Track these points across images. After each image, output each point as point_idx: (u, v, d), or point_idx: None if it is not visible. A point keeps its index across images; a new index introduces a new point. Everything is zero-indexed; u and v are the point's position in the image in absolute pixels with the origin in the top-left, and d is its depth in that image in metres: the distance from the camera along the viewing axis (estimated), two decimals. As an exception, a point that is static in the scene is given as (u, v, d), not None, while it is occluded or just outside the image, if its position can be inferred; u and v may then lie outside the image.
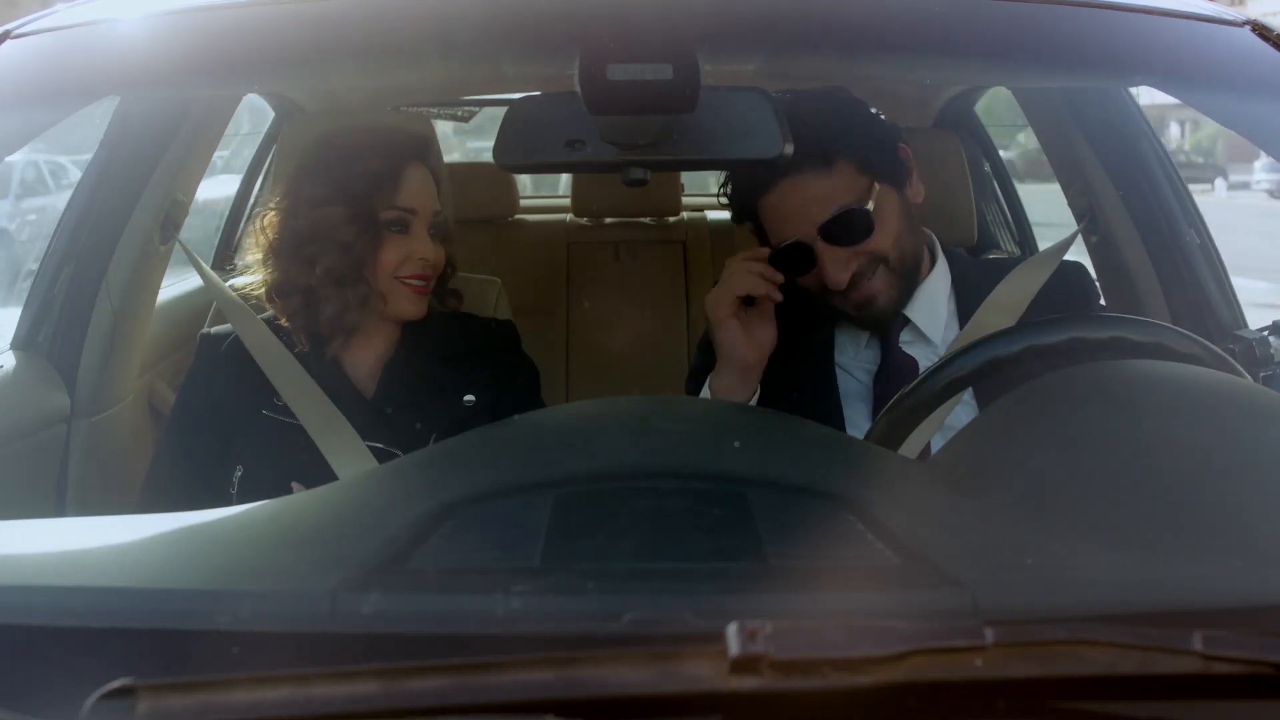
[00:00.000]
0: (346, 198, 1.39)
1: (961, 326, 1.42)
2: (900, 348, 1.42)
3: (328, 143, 1.46)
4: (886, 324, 1.43)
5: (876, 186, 1.35)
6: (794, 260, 1.35)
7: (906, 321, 1.43)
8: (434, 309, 1.50)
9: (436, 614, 0.62)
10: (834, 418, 1.40)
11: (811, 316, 1.44)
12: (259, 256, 1.44)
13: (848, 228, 1.34)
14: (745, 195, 1.41)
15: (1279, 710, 0.54)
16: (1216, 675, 0.51)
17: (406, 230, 1.40)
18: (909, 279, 1.41)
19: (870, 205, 1.34)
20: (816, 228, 1.34)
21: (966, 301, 1.44)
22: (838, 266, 1.34)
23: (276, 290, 1.42)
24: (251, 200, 2.62)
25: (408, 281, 1.41)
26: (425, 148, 1.47)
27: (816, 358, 1.43)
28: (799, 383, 1.41)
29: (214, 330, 1.50)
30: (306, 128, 1.66)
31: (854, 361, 1.44)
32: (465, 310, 1.59)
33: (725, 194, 1.46)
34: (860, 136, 1.37)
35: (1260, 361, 1.23)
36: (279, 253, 1.42)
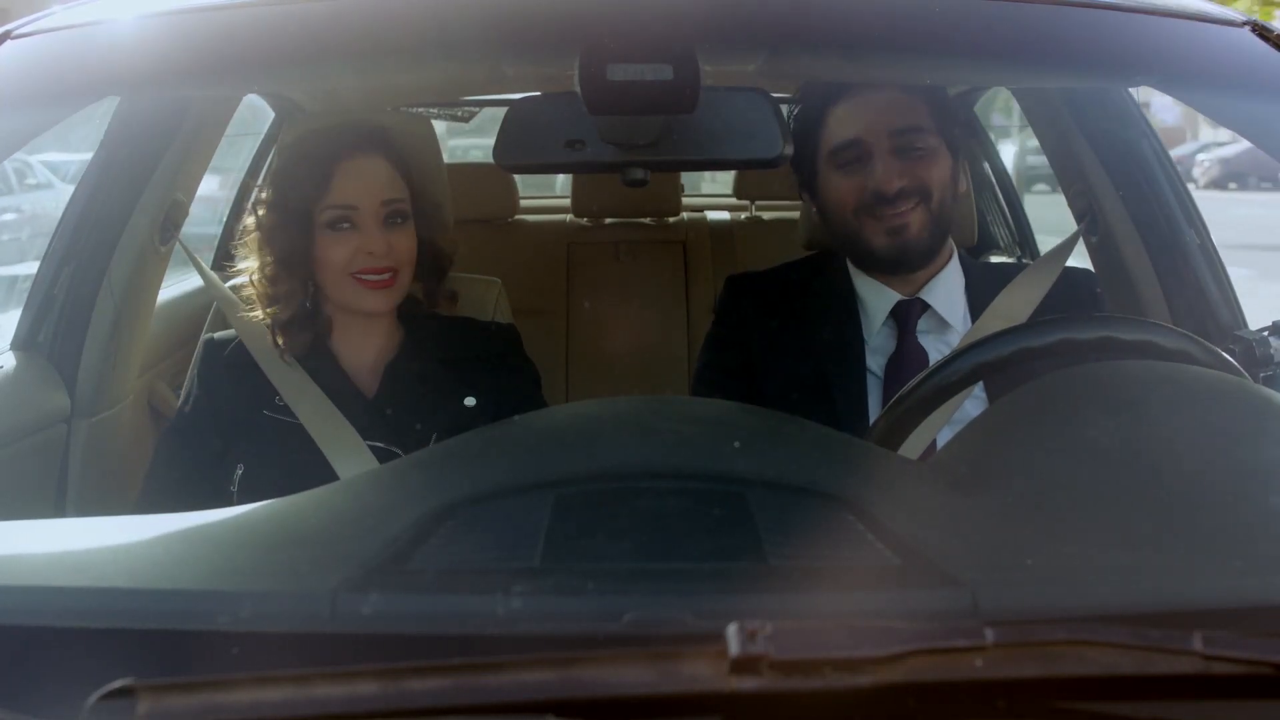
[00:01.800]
0: (281, 203, 1.40)
1: (974, 323, 1.43)
2: (916, 337, 1.43)
3: (280, 151, 1.50)
4: (905, 311, 1.44)
5: (940, 140, 1.42)
6: (847, 160, 1.42)
7: (925, 309, 1.44)
8: (435, 311, 1.50)
9: (436, 614, 0.62)
10: (864, 419, 1.41)
11: (844, 317, 1.45)
12: (249, 258, 1.46)
13: (913, 143, 1.40)
14: (820, 98, 1.46)
15: (1279, 710, 0.54)
16: (1216, 675, 0.51)
17: (353, 226, 1.38)
18: (939, 234, 1.44)
19: (931, 143, 1.41)
20: (886, 132, 1.40)
21: (976, 301, 1.45)
22: (891, 172, 1.39)
23: (256, 291, 1.44)
24: (251, 202, 2.62)
25: (361, 277, 1.39)
26: (373, 137, 1.44)
27: (850, 362, 1.45)
28: (830, 383, 1.42)
29: (217, 336, 1.50)
30: (300, 128, 1.66)
31: (870, 351, 1.45)
32: (465, 311, 1.59)
33: (795, 103, 1.54)
34: (942, 97, 1.47)
35: (1260, 361, 1.23)
36: (257, 253, 1.44)
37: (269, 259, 1.41)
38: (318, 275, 1.40)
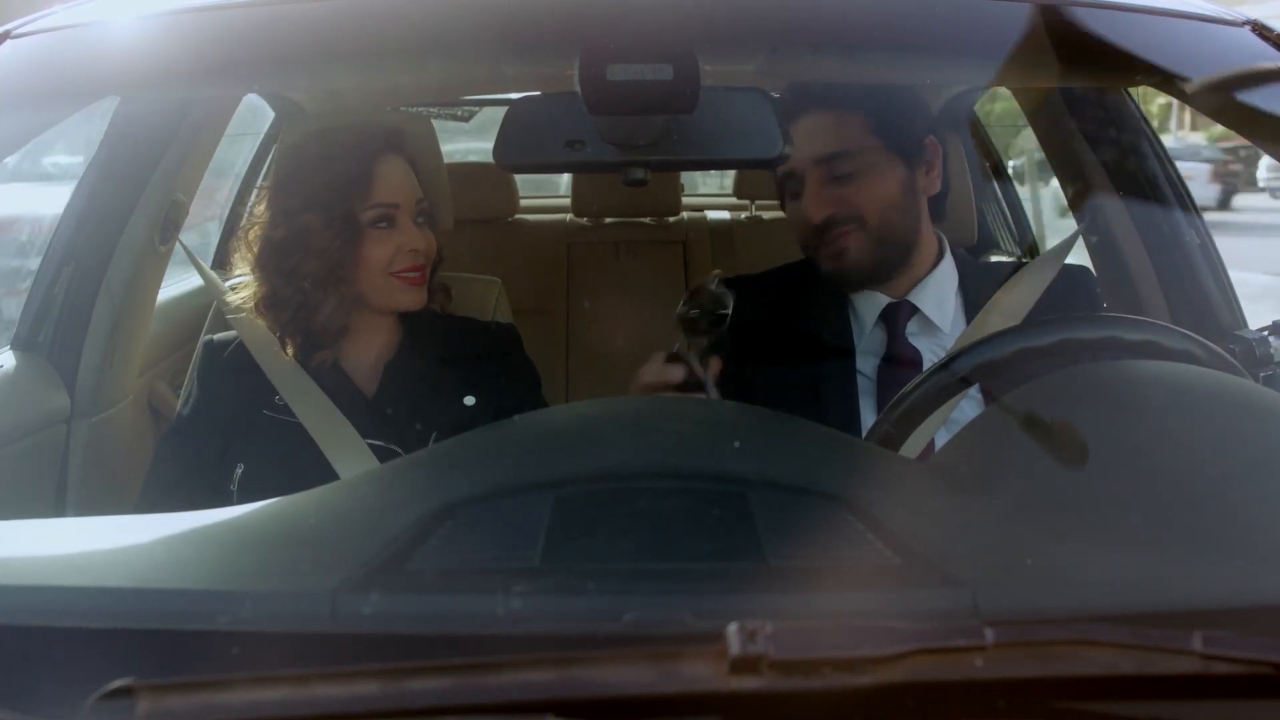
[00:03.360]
0: (320, 205, 1.38)
1: (968, 323, 1.43)
2: (906, 338, 1.43)
3: (296, 152, 1.46)
4: (894, 314, 1.43)
5: (884, 153, 1.40)
6: (791, 192, 1.42)
7: (914, 311, 1.44)
8: (434, 311, 1.51)
9: (436, 614, 0.62)
10: (854, 421, 1.40)
11: (835, 320, 1.46)
12: (248, 270, 1.44)
13: (841, 169, 1.38)
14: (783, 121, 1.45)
15: (1279, 710, 0.54)
16: (1216, 675, 0.51)
17: (393, 224, 1.40)
18: (890, 252, 1.42)
19: (866, 162, 1.39)
20: (813, 160, 1.38)
21: (972, 300, 1.45)
22: (817, 202, 1.39)
23: (266, 304, 1.42)
24: (251, 201, 2.62)
25: (403, 275, 1.40)
26: (396, 139, 1.45)
27: (840, 365, 1.44)
28: (819, 386, 1.42)
29: (217, 337, 1.50)
30: (306, 128, 1.66)
31: (860, 353, 1.45)
32: (465, 311, 1.59)
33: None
34: (887, 102, 1.43)
35: (1260, 361, 1.23)
36: (264, 266, 1.42)
37: (312, 265, 1.38)
38: (357, 276, 1.40)
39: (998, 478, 0.78)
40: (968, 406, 1.35)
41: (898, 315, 1.44)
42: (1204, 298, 1.60)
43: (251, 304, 1.43)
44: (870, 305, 1.45)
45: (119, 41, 1.05)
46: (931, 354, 1.41)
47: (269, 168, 2.47)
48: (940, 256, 1.47)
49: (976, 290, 1.46)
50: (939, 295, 1.45)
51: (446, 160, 1.71)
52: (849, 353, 1.44)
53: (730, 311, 1.25)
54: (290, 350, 1.41)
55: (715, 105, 0.92)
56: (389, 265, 1.39)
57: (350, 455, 1.33)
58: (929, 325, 1.44)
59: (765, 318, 1.49)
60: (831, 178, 1.38)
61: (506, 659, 0.49)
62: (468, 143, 4.65)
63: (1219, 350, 0.95)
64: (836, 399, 1.42)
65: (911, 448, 1.06)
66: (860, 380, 1.44)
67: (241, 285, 1.47)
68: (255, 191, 1.52)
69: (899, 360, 1.42)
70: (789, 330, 1.47)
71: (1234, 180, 15.96)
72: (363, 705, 0.48)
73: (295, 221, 1.39)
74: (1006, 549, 0.71)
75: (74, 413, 1.66)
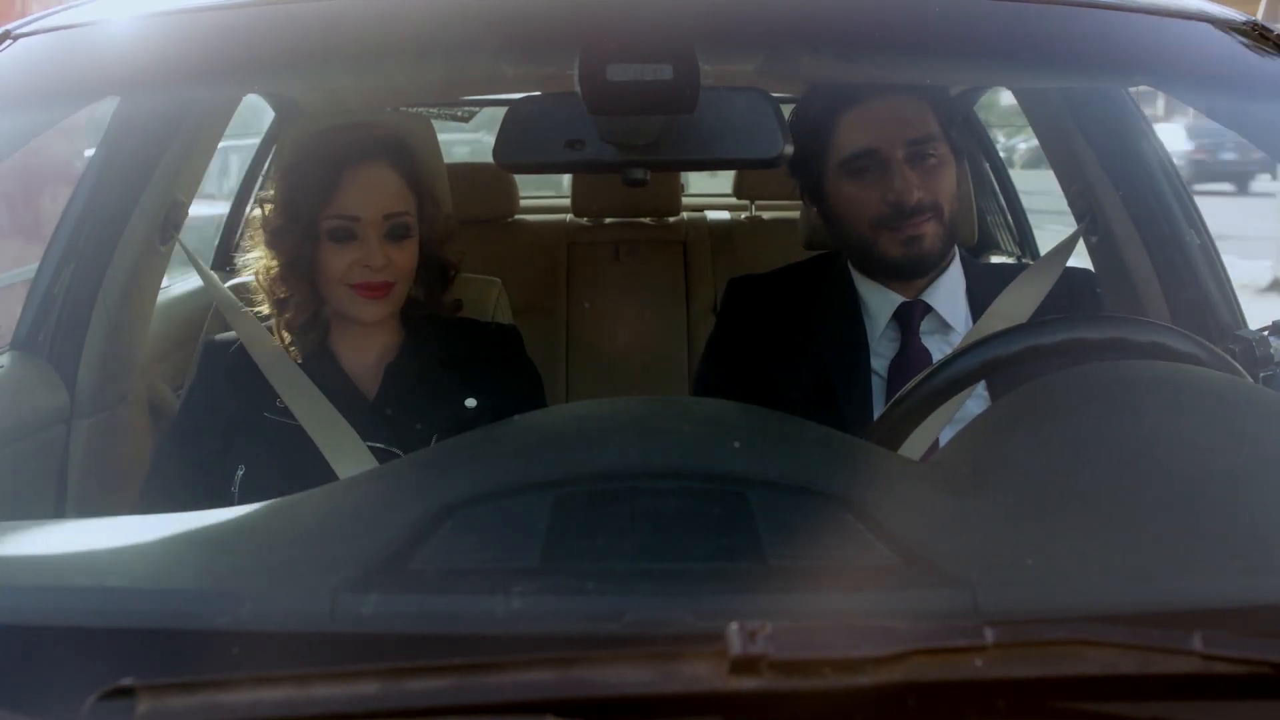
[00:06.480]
0: (287, 205, 1.40)
1: (975, 323, 1.44)
2: (919, 338, 1.44)
3: (289, 146, 1.49)
4: (909, 313, 1.44)
5: (948, 147, 1.42)
6: (861, 169, 1.41)
7: (928, 310, 1.44)
8: (436, 313, 1.51)
9: (436, 614, 0.62)
10: (869, 419, 1.40)
11: (847, 319, 1.46)
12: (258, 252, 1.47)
13: (927, 152, 1.40)
14: (828, 104, 1.44)
15: (1278, 710, 0.54)
16: (1216, 675, 0.51)
17: (353, 236, 1.37)
18: (949, 246, 1.44)
19: (943, 152, 1.41)
20: (903, 141, 1.39)
21: (978, 301, 1.46)
22: (910, 185, 1.38)
23: (261, 284, 1.45)
24: (251, 201, 2.63)
25: (359, 288, 1.38)
26: (386, 145, 1.42)
27: (854, 364, 1.45)
28: (835, 385, 1.43)
29: (218, 337, 1.50)
30: (305, 128, 1.66)
31: (873, 353, 1.46)
32: (465, 311, 1.59)
33: (795, 109, 1.52)
34: (945, 100, 1.46)
35: (1260, 361, 1.23)
36: (264, 251, 1.45)
37: (275, 261, 1.42)
38: (318, 280, 1.41)
39: (998, 478, 0.78)
40: (974, 405, 1.35)
41: (912, 314, 1.44)
42: (1204, 298, 1.60)
43: (256, 284, 1.46)
44: (884, 304, 1.45)
45: (119, 41, 1.05)
46: (941, 354, 1.42)
47: (268, 168, 2.48)
48: (951, 258, 1.48)
49: (982, 291, 1.46)
50: (951, 295, 1.46)
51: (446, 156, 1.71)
52: (863, 351, 1.45)
53: None
54: (285, 339, 1.43)
55: (715, 105, 0.92)
56: (345, 276, 1.38)
57: (350, 458, 1.32)
58: (942, 325, 1.45)
59: (776, 317, 1.50)
60: (919, 159, 1.39)
61: (506, 659, 0.49)
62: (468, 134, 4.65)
63: (1221, 353, 0.95)
64: (852, 397, 1.42)
65: (915, 447, 1.06)
66: (876, 381, 1.44)
67: (248, 275, 1.48)
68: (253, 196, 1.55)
69: (911, 360, 1.43)
70: (803, 329, 1.47)
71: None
72: (363, 705, 0.48)
73: (268, 216, 1.42)
74: (1006, 549, 0.71)
75: (74, 413, 1.66)
